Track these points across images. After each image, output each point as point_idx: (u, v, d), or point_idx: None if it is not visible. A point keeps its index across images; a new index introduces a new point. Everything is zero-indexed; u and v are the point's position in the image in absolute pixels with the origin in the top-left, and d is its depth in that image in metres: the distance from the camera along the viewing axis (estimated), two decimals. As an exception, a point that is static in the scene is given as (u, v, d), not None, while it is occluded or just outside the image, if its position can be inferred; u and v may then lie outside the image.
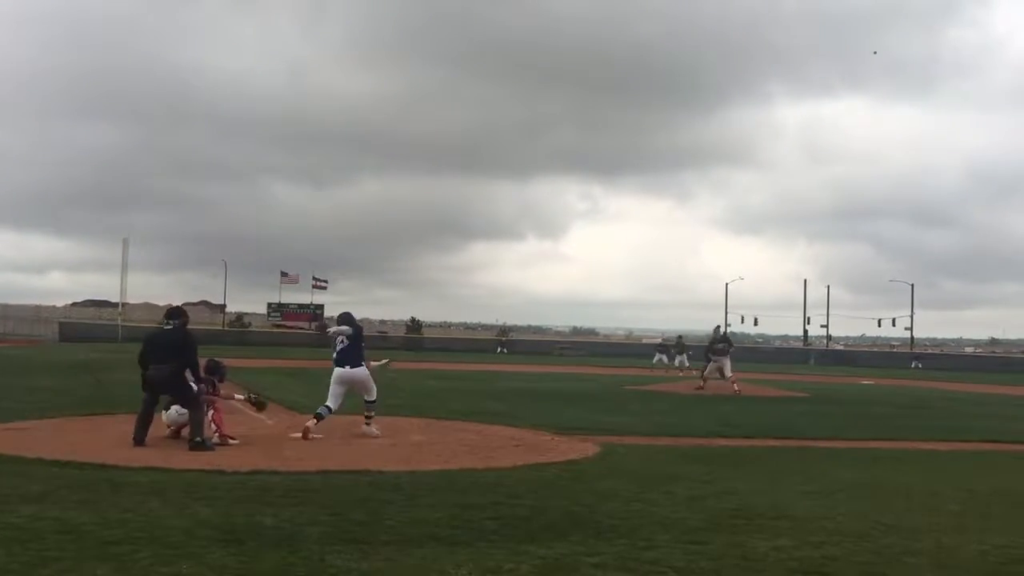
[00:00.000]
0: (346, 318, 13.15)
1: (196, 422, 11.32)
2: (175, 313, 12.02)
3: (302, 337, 65.14)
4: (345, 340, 12.88)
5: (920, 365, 60.60)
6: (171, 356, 11.49)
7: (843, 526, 7.65)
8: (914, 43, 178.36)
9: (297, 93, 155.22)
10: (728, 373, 25.34)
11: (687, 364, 36.39)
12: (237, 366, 18.34)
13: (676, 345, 39.56)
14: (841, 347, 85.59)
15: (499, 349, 68.02)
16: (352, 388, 13.06)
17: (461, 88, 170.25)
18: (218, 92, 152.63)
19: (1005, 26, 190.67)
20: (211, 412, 11.76)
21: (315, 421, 12.50)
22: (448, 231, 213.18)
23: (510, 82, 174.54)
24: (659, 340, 45.55)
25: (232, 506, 7.59)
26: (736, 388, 24.38)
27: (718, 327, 29.22)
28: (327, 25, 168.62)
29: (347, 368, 12.87)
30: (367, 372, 13.09)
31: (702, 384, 25.69)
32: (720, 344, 26.24)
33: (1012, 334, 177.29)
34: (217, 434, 11.64)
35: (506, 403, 19.44)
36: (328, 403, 12.72)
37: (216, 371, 12.57)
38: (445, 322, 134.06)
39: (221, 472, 9.33)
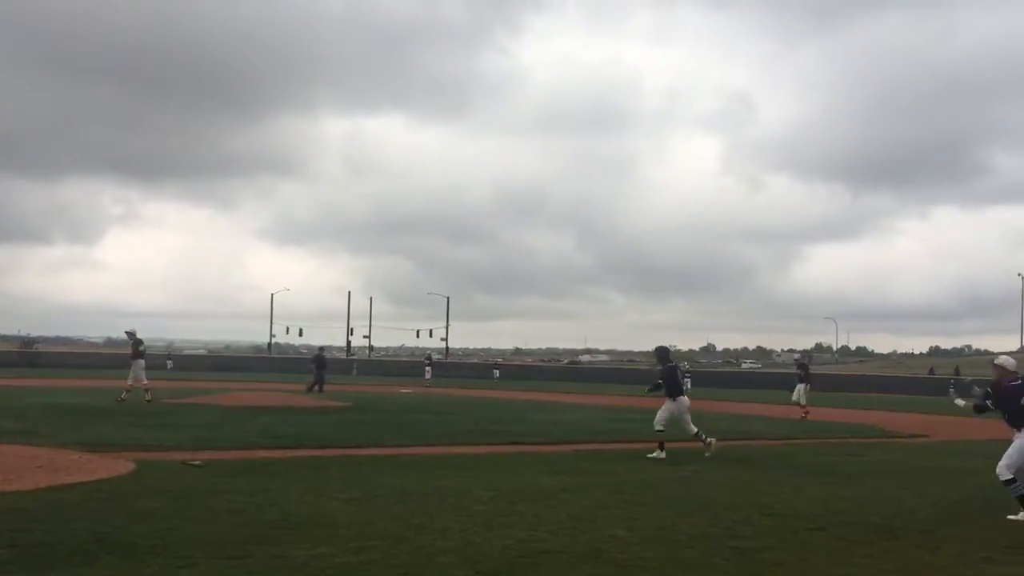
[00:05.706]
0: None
1: None
2: None
3: None
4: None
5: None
6: None
7: (381, 530, 7.89)
8: (450, 64, 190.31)
9: None
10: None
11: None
12: None
13: None
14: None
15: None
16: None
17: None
18: None
19: (531, 56, 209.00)
20: None
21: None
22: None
23: (35, 71, 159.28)
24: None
25: None
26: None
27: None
28: None
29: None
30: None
31: None
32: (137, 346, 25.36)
33: (533, 344, 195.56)
34: None
35: (27, 421, 17.79)
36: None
37: None
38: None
39: None
